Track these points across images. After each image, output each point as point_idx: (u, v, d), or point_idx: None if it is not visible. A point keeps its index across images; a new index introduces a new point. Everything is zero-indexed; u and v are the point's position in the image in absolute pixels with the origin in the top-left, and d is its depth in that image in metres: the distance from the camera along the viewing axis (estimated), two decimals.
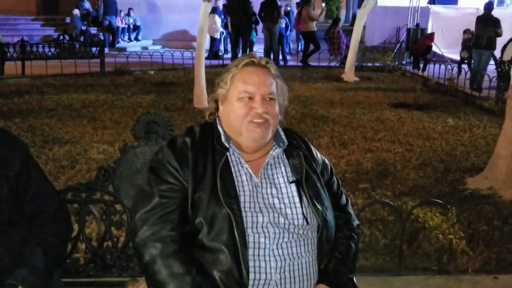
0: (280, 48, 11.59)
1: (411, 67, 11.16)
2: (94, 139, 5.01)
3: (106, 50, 12.91)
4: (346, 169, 4.27)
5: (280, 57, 11.66)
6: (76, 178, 3.90)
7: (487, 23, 8.36)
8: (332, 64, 11.56)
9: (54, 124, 5.51)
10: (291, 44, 12.83)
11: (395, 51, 11.94)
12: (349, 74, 9.27)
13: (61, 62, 9.25)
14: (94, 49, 10.16)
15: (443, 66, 8.84)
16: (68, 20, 14.16)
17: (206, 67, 9.81)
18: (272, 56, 11.44)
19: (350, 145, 5.04)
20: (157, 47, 14.96)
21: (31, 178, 1.66)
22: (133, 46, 14.41)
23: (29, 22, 14.74)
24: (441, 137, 5.40)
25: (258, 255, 1.36)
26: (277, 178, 1.46)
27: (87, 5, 14.84)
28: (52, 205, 1.72)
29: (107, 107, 6.44)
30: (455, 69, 8.69)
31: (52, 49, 9.53)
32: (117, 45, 14.03)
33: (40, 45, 9.40)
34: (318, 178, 1.51)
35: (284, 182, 1.46)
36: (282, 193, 1.44)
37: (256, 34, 11.75)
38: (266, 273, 1.35)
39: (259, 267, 1.35)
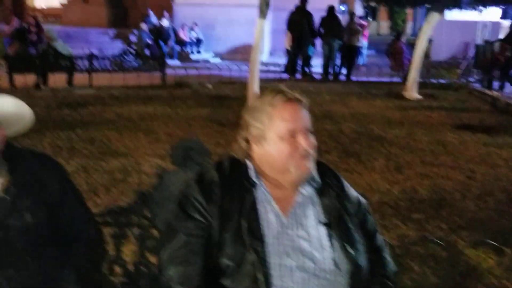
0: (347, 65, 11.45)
1: (479, 85, 10.55)
2: (147, 152, 5.14)
3: (177, 62, 13.46)
4: (400, 196, 4.06)
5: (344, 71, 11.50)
6: (127, 192, 4.00)
7: None
8: (394, 80, 11.20)
9: (113, 136, 5.72)
10: None
11: (462, 68, 11.36)
12: (410, 92, 8.92)
13: (125, 75, 9.70)
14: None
15: None
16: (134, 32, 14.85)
17: (275, 80, 9.90)
18: (331, 71, 11.33)
19: (406, 169, 4.80)
20: (218, 60, 15.30)
21: (70, 202, 1.70)
22: (195, 59, 14.89)
23: (100, 35, 15.60)
24: (507, 164, 5.01)
25: None
26: (307, 219, 1.40)
27: (154, 19, 15.46)
28: (88, 230, 1.76)
29: (163, 120, 6.60)
30: None
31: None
32: (192, 57, 14.60)
33: (107, 59, 9.88)
34: (352, 219, 1.44)
35: (314, 224, 1.39)
36: (311, 235, 1.37)
37: (314, 48, 11.68)
38: None
39: None
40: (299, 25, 10.52)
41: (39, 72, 9.14)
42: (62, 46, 9.57)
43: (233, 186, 1.40)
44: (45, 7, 25.79)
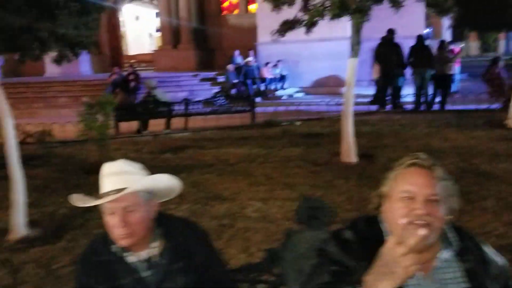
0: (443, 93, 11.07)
1: None
2: (249, 196, 5.30)
3: (262, 99, 13.91)
4: None
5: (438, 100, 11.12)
6: (236, 237, 4.16)
7: None
8: (493, 106, 10.57)
9: (214, 180, 5.98)
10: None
11: None
12: None
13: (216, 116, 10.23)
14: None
15: None
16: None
17: (364, 113, 9.78)
18: (423, 100, 11.01)
19: None
20: (301, 95, 15.54)
21: (214, 265, 1.85)
22: (279, 95, 15.25)
23: (190, 78, 16.57)
24: None
25: None
26: (448, 284, 1.41)
27: (239, 59, 16.15)
28: None
29: (259, 162, 6.79)
30: None
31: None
32: (276, 93, 15.03)
33: (200, 104, 10.46)
34: (493, 284, 1.43)
35: None
36: None
37: (404, 78, 11.46)
38: None
39: None
40: (388, 57, 10.44)
41: (141, 119, 9.89)
42: (161, 94, 10.31)
43: (370, 248, 1.43)
44: (136, 54, 28.03)
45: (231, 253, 3.75)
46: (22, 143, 4.62)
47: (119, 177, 1.65)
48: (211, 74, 16.83)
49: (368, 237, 1.47)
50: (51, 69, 17.69)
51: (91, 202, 1.66)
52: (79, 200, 1.69)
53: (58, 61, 7.69)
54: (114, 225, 1.64)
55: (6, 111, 4.32)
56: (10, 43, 5.97)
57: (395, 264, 1.21)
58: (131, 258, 1.70)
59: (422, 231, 1.37)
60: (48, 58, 7.85)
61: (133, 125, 10.15)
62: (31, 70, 17.50)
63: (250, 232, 4.22)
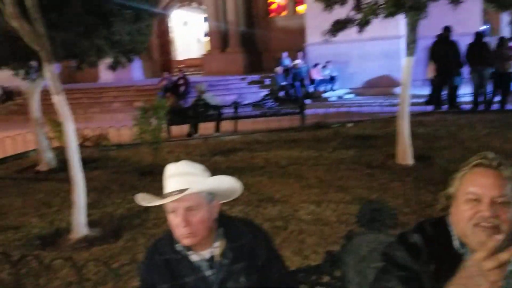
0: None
1: None
2: (301, 198, 5.24)
3: (311, 101, 13.80)
4: None
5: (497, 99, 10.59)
6: (289, 240, 4.12)
7: None
8: None
9: (265, 182, 5.97)
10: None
11: None
12: None
13: (265, 118, 10.23)
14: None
15: None
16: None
17: (419, 114, 9.45)
18: (482, 99, 10.52)
19: None
20: (351, 96, 15.27)
21: (276, 266, 1.84)
22: (329, 97, 15.07)
23: (238, 81, 16.70)
24: None
25: None
26: None
27: (287, 61, 16.11)
28: None
29: (310, 164, 6.72)
30: None
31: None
32: (326, 95, 14.89)
33: (249, 107, 10.51)
34: None
35: None
36: None
37: (461, 77, 11.01)
38: None
39: None
40: (444, 55, 10.07)
41: (192, 122, 10.06)
42: (211, 98, 10.45)
43: (438, 251, 1.40)
44: (185, 59, 28.57)
45: (285, 256, 3.68)
46: (80, 147, 4.79)
47: (182, 177, 1.68)
48: (259, 77, 16.88)
49: (435, 241, 1.44)
50: (105, 75, 18.40)
51: (155, 202, 1.69)
52: (144, 200, 1.72)
53: (113, 67, 8.00)
54: (177, 224, 1.66)
55: (68, 116, 4.50)
56: (68, 51, 6.28)
57: (482, 278, 1.16)
58: (194, 257, 1.72)
59: (489, 233, 1.34)
60: (103, 64, 8.22)
61: (184, 128, 10.34)
62: (85, 77, 18.27)
63: (304, 235, 4.17)
